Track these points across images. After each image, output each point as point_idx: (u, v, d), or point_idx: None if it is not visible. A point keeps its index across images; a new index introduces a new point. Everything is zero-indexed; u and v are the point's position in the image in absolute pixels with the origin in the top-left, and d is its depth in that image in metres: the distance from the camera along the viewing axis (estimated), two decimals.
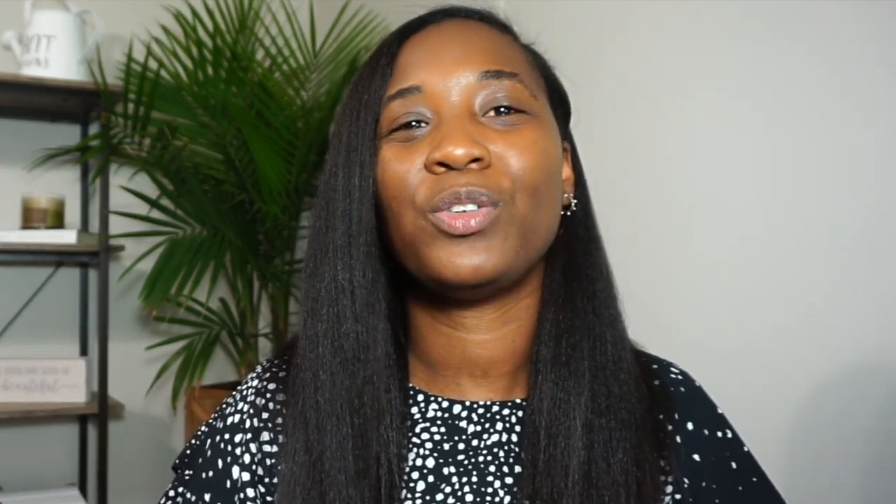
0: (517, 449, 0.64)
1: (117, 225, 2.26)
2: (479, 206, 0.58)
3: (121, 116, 2.21)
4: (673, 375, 0.70)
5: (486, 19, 0.67)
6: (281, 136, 2.21)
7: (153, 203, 2.25)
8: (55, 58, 2.18)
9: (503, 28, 0.68)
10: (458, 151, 0.57)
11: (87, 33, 2.30)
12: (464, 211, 0.58)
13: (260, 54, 2.41)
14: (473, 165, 0.58)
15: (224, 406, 0.70)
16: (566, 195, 0.66)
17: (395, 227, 0.61)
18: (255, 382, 0.69)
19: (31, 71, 2.17)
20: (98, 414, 2.21)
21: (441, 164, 0.58)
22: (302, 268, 0.65)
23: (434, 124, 0.60)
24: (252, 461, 0.65)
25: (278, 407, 0.67)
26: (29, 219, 2.24)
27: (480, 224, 0.57)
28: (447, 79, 0.60)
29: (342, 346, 0.62)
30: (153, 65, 2.23)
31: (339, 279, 0.62)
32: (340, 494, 0.59)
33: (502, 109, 0.61)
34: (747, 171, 1.20)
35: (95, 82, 2.16)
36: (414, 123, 0.61)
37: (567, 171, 0.67)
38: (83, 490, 2.36)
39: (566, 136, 0.69)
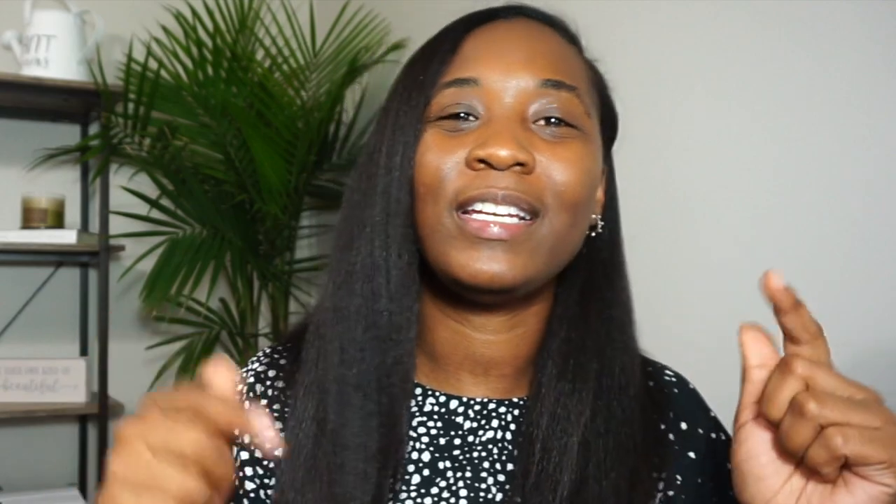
0: (510, 447, 0.64)
1: (117, 225, 2.26)
2: (515, 209, 0.57)
3: (121, 116, 2.21)
4: (667, 377, 0.70)
5: (556, 25, 0.66)
6: (281, 136, 2.21)
7: (153, 203, 2.25)
8: (55, 58, 2.18)
9: (570, 38, 0.67)
10: (503, 152, 0.56)
11: (87, 33, 2.30)
12: (495, 213, 0.57)
13: (260, 54, 2.41)
14: (516, 168, 0.57)
15: None
16: (594, 216, 0.65)
17: (421, 215, 0.60)
18: (256, 366, 0.69)
19: (31, 71, 2.17)
20: (98, 414, 2.21)
21: (483, 161, 0.57)
22: (335, 238, 0.65)
23: (483, 120, 0.59)
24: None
25: (276, 393, 0.67)
26: (29, 219, 2.24)
27: (509, 234, 0.57)
28: (506, 78, 0.60)
29: (375, 324, 0.61)
30: (153, 65, 2.23)
31: (375, 255, 0.61)
32: (356, 469, 0.59)
33: (553, 121, 0.60)
34: (747, 171, 1.20)
35: (95, 82, 2.16)
36: (463, 115, 0.60)
37: (599, 193, 0.66)
38: (83, 490, 2.36)
39: (607, 158, 0.68)
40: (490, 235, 0.57)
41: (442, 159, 0.59)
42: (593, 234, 0.66)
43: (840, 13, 1.06)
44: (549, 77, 0.60)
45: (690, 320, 1.28)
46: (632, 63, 1.41)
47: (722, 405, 0.71)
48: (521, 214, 0.57)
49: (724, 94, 1.24)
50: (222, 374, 0.45)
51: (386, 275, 0.61)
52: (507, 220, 0.57)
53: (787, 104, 1.14)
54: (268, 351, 0.71)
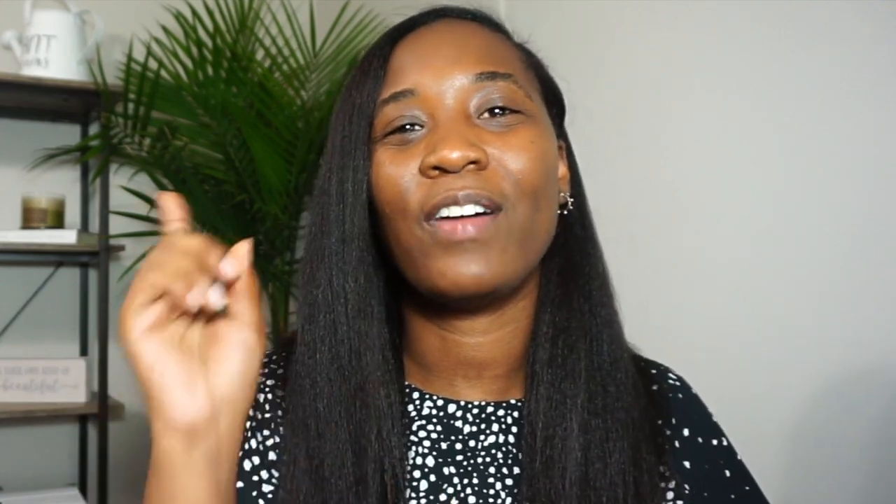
0: (515, 450, 0.64)
1: (117, 225, 2.26)
2: (478, 207, 0.57)
3: (121, 116, 2.21)
4: (671, 381, 0.70)
5: (479, 19, 0.66)
6: (281, 136, 2.21)
7: (153, 203, 2.25)
8: (55, 58, 2.18)
9: (496, 27, 0.67)
10: (454, 155, 0.56)
11: (87, 33, 2.30)
12: (461, 216, 0.57)
13: (260, 54, 2.41)
14: (470, 167, 0.57)
15: None
16: (562, 194, 0.65)
17: (392, 233, 0.60)
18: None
19: (31, 71, 2.17)
20: (98, 414, 2.21)
21: (436, 167, 0.57)
22: (299, 272, 0.66)
23: (429, 128, 0.60)
24: (259, 446, 0.65)
25: (278, 401, 0.66)
26: (29, 219, 2.24)
27: (479, 231, 0.57)
28: (441, 81, 0.60)
29: (338, 353, 0.61)
30: (153, 65, 2.23)
31: (334, 285, 0.61)
32: (342, 502, 0.59)
33: (497, 111, 0.60)
34: (747, 172, 1.20)
35: (95, 82, 2.16)
36: (408, 127, 0.60)
37: (563, 170, 0.67)
38: (83, 490, 2.36)
39: (561, 134, 0.68)
40: (462, 237, 0.57)
41: (398, 174, 0.59)
42: (565, 212, 0.66)
43: (840, 12, 1.06)
44: (481, 70, 0.60)
45: (690, 322, 1.28)
46: (633, 62, 1.41)
47: (721, 406, 0.72)
48: (485, 210, 0.57)
49: (726, 95, 1.24)
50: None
51: (344, 302, 0.61)
52: (473, 218, 0.57)
53: (786, 104, 1.14)
54: (265, 360, 0.70)
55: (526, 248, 0.60)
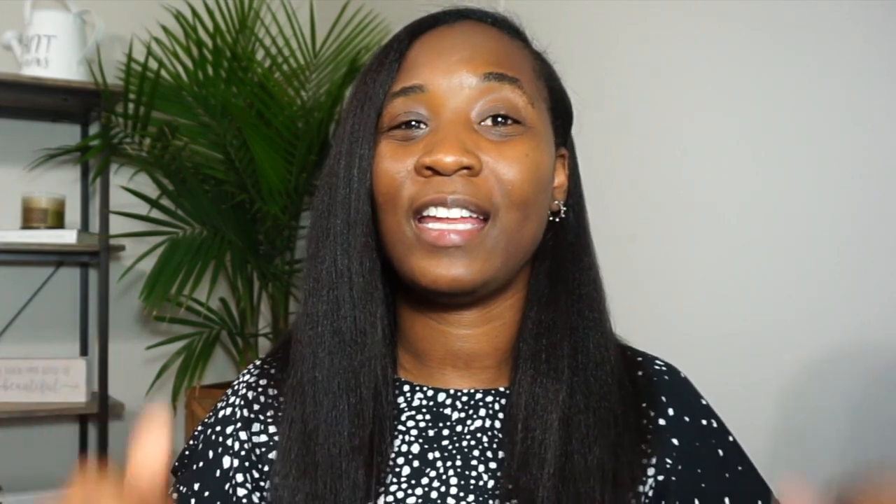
0: (500, 435, 0.65)
1: (117, 225, 2.26)
2: (464, 211, 0.59)
3: (121, 116, 2.21)
4: (657, 367, 0.71)
5: (498, 23, 0.68)
6: (281, 136, 2.21)
7: (153, 203, 2.25)
8: (55, 58, 2.18)
9: (514, 32, 0.69)
10: (448, 159, 0.58)
11: (87, 33, 2.30)
12: (448, 217, 0.59)
13: (260, 54, 2.41)
14: (463, 172, 0.59)
15: (217, 404, 0.72)
16: (556, 202, 0.67)
17: (384, 224, 0.63)
18: (247, 377, 0.71)
19: (31, 71, 2.17)
20: (98, 414, 2.21)
21: (430, 168, 0.59)
22: (305, 247, 0.68)
23: (431, 127, 0.62)
24: (241, 448, 0.67)
25: (269, 401, 0.68)
26: (29, 219, 2.24)
27: (464, 241, 0.59)
28: (450, 79, 0.62)
29: (341, 329, 0.63)
30: (153, 65, 2.23)
31: (338, 264, 0.63)
32: (332, 467, 0.61)
33: (499, 119, 0.62)
34: (743, 170, 1.20)
35: (95, 82, 2.16)
36: (413, 123, 0.62)
37: (561, 178, 0.68)
38: None
39: (566, 143, 0.70)
40: (447, 243, 0.59)
41: (395, 168, 0.61)
42: (556, 219, 0.67)
43: (839, 14, 1.07)
44: (490, 70, 0.62)
45: (688, 317, 1.29)
46: (632, 63, 1.41)
47: (722, 402, 0.72)
48: (472, 215, 0.60)
49: (724, 94, 1.24)
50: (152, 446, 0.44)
51: (349, 282, 0.63)
52: (461, 225, 0.59)
53: (785, 103, 1.14)
54: (258, 363, 0.73)
55: (510, 254, 0.62)
